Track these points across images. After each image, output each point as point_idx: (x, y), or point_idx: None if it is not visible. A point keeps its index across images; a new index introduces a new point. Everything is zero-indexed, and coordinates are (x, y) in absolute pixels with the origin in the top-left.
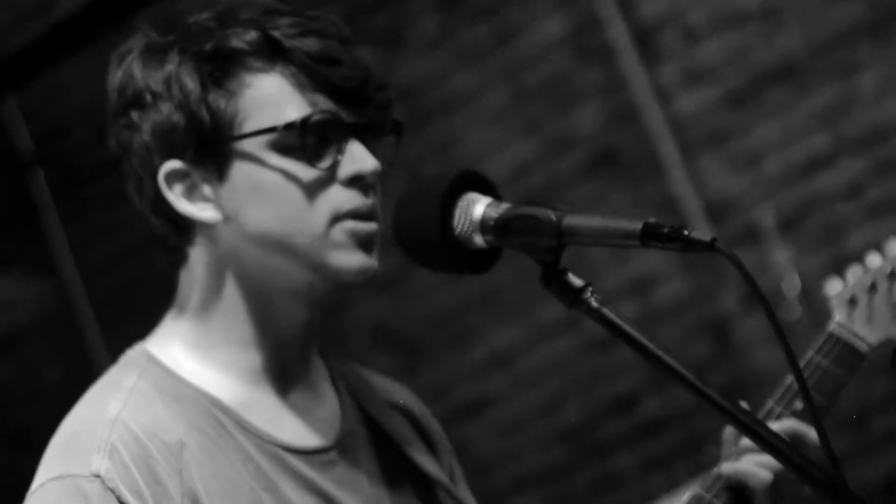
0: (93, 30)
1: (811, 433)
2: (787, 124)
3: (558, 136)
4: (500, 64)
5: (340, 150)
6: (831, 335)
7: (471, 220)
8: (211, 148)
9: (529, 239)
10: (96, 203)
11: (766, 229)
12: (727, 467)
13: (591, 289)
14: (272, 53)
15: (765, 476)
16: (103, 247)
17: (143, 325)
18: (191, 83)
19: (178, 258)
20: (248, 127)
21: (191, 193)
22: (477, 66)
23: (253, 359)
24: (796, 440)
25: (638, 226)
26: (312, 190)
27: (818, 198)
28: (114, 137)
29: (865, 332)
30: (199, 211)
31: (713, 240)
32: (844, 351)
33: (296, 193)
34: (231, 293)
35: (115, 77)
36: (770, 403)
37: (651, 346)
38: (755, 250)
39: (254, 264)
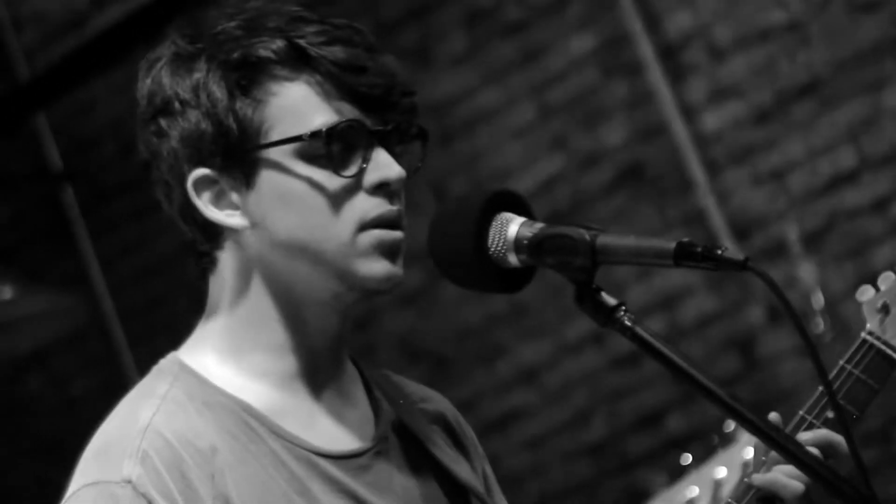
0: (123, 46)
1: (842, 442)
2: (811, 140)
3: (584, 151)
4: (526, 80)
5: (366, 158)
6: (863, 343)
7: (505, 239)
8: (238, 156)
9: (564, 258)
10: (124, 217)
11: (790, 244)
12: (759, 478)
13: (624, 307)
14: (298, 62)
15: (796, 486)
16: (131, 260)
17: (170, 337)
18: (218, 92)
19: (207, 263)
20: (275, 135)
21: (219, 200)
22: (504, 82)
23: (284, 363)
24: (827, 450)
25: (671, 245)
26: (338, 198)
27: (843, 213)
28: (143, 144)
29: None
30: (227, 217)
31: (746, 259)
32: (876, 360)
33: (322, 201)
34: (260, 298)
35: (145, 84)
36: (801, 413)
37: (683, 363)
38: (780, 265)
39: (281, 271)
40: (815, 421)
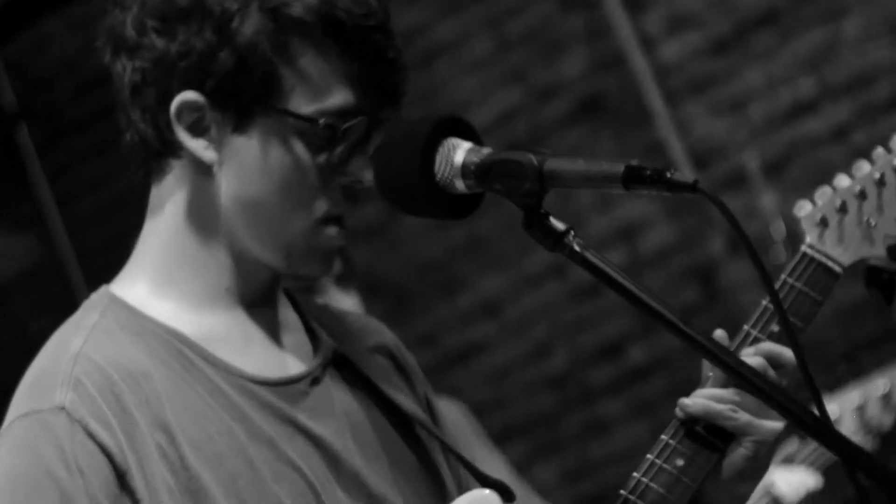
0: None
1: (787, 353)
2: (771, 70)
3: (542, 83)
4: (483, 12)
5: (353, 152)
6: (804, 256)
7: (452, 165)
8: (245, 103)
9: (511, 183)
10: (81, 156)
11: (751, 174)
12: (688, 404)
13: (573, 232)
14: (333, 32)
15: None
16: (88, 200)
17: None
18: (254, 34)
19: (154, 169)
20: (291, 100)
21: (196, 128)
22: (461, 14)
23: (217, 294)
24: (774, 362)
25: (620, 168)
26: (316, 184)
27: (803, 142)
28: (135, 28)
29: (838, 252)
30: (201, 149)
31: (696, 181)
32: (818, 272)
33: (301, 182)
34: (201, 233)
35: None
36: (746, 328)
37: (632, 286)
38: (741, 195)
39: (230, 220)
40: (760, 335)
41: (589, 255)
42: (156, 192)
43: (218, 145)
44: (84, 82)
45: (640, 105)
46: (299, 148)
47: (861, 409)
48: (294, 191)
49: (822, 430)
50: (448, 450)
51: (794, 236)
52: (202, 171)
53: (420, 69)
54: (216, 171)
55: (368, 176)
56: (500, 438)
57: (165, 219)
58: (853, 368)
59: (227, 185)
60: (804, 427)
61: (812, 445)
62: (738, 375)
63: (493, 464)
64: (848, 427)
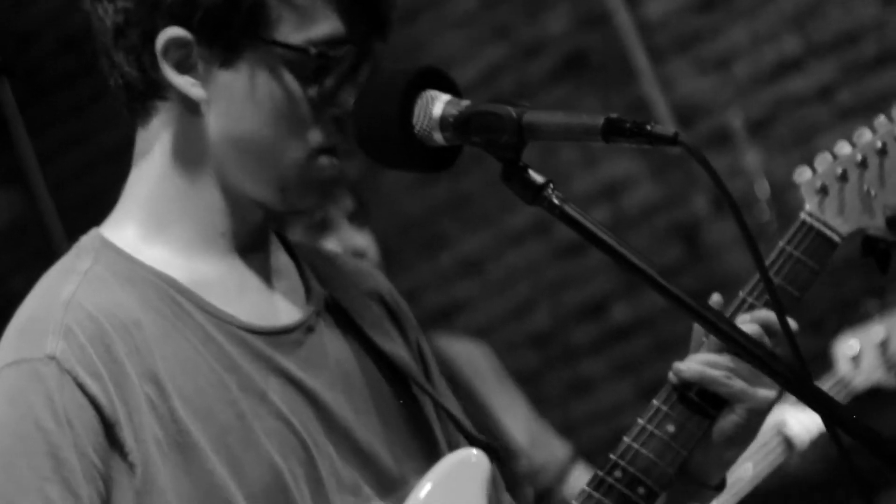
0: None
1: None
2: (756, 27)
3: (527, 40)
4: None
5: (343, 82)
6: (803, 224)
7: (430, 117)
8: (233, 36)
9: (489, 136)
10: (64, 112)
11: (735, 132)
12: (683, 368)
13: (552, 185)
14: None
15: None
16: (71, 156)
17: None
18: None
19: (140, 112)
20: (280, 31)
21: (183, 65)
22: None
23: (209, 238)
24: (769, 329)
25: (600, 121)
26: (308, 116)
27: (788, 101)
28: None
29: (837, 222)
30: (189, 86)
31: (676, 134)
32: (816, 241)
33: (292, 115)
34: (191, 174)
35: None
36: (742, 295)
37: (611, 240)
38: (725, 153)
39: (221, 159)
40: (755, 302)
41: (568, 209)
42: (143, 136)
43: (206, 82)
44: (66, 38)
45: (625, 62)
46: (289, 79)
47: (884, 345)
48: (285, 123)
49: (810, 393)
50: (439, 405)
51: (777, 194)
52: (190, 110)
53: (405, 25)
54: (205, 110)
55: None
56: None
57: (154, 162)
58: (879, 304)
59: (217, 123)
60: (792, 389)
61: (827, 385)
62: (716, 331)
63: (512, 405)
64: (869, 362)
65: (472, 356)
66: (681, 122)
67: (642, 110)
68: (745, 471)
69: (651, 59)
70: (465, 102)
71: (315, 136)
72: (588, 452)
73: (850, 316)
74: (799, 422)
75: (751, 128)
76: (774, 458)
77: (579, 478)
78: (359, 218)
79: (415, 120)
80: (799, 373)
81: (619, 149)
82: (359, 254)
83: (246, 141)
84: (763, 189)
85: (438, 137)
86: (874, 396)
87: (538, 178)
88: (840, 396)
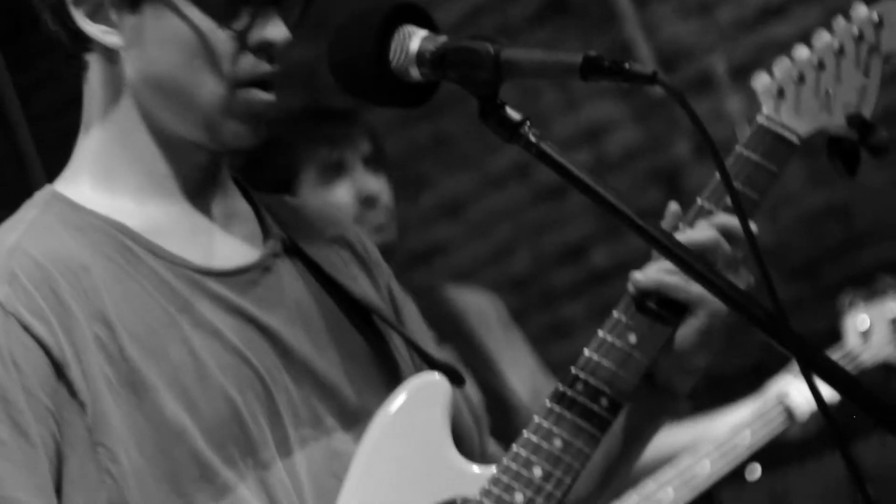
0: None
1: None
2: None
3: None
4: None
5: (256, 14)
6: (759, 127)
7: (407, 53)
8: None
9: (467, 72)
10: (42, 49)
11: (718, 77)
12: (641, 278)
13: (528, 123)
14: None
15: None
16: (50, 93)
17: None
18: None
19: (78, 67)
20: None
21: (96, 14)
22: None
23: (158, 184)
24: (727, 234)
25: (578, 59)
26: (222, 50)
27: (771, 46)
28: None
29: (795, 123)
30: (102, 34)
31: (655, 72)
32: (774, 143)
33: (205, 50)
34: (129, 119)
35: None
36: (699, 201)
37: (587, 178)
38: (708, 98)
39: (150, 103)
40: (714, 207)
41: (545, 146)
42: (86, 90)
43: (119, 28)
44: None
45: (607, 5)
46: (196, 15)
47: None
48: (198, 60)
49: (776, 326)
50: (403, 336)
51: None
52: (110, 59)
53: None
54: (123, 56)
55: (279, 34)
56: None
57: (94, 114)
58: (893, 281)
59: (134, 68)
60: (758, 324)
61: (833, 357)
62: (697, 275)
63: (517, 359)
64: (881, 337)
65: (480, 307)
66: (664, 67)
67: (625, 54)
68: (744, 438)
69: (633, 3)
70: (443, 38)
71: (233, 70)
72: None
73: (864, 290)
74: (801, 393)
75: (734, 73)
76: (774, 427)
77: None
78: (374, 162)
79: (391, 55)
80: (775, 314)
81: (601, 93)
82: (371, 198)
83: (162, 83)
84: (745, 134)
85: (415, 73)
86: (884, 372)
87: (515, 116)
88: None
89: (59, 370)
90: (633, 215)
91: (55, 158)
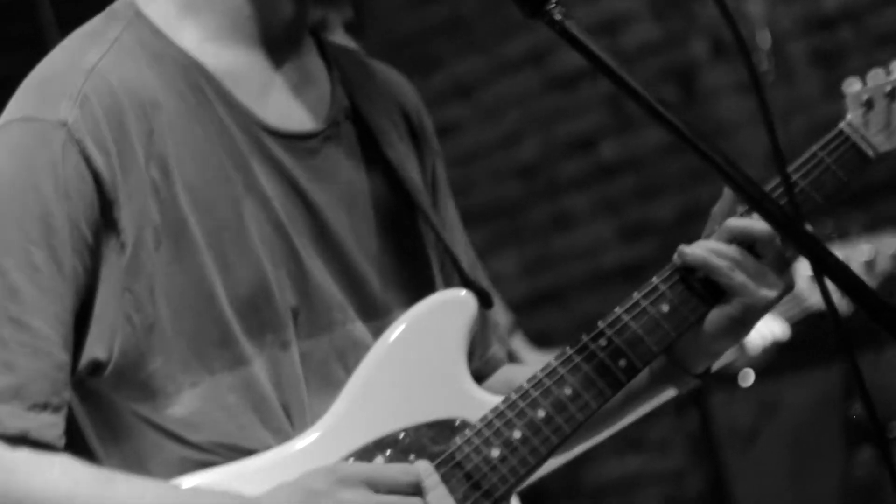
0: None
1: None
2: None
3: None
4: None
5: None
6: (840, 133)
7: None
8: None
9: None
10: None
11: None
12: (689, 253)
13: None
14: None
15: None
16: None
17: None
18: None
19: None
20: None
21: None
22: None
23: (240, 29)
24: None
25: None
26: None
27: None
28: None
29: (877, 138)
30: None
31: None
32: (850, 152)
33: None
34: None
35: None
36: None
37: (609, 61)
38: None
39: None
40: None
41: (569, 26)
42: None
43: None
44: None
45: None
46: None
47: (870, 264)
48: None
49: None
50: (441, 241)
51: (777, 46)
52: None
53: None
54: None
55: None
56: (462, 223)
57: None
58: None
59: None
60: (773, 222)
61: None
62: (713, 164)
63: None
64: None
65: None
66: None
67: None
68: None
69: None
70: None
71: None
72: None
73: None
74: (755, 328)
75: None
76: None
77: (518, 348)
78: (353, 29)
79: None
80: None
81: None
82: None
83: None
84: (764, 38)
85: None
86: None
87: None
88: (791, 314)
89: (107, 206)
90: (655, 101)
91: (66, 5)
